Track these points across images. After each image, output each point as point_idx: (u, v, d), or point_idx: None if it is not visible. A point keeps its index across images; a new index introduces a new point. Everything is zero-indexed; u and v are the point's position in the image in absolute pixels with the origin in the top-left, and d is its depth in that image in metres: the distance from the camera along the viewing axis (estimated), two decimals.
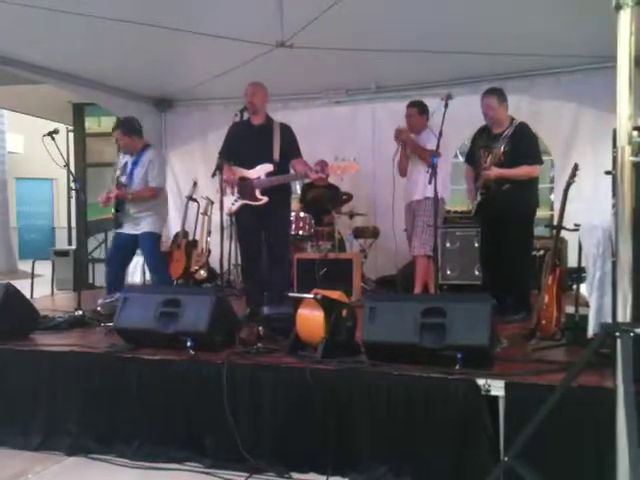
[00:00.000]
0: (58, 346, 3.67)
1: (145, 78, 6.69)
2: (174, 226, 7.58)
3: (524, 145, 4.32)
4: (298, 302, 3.40)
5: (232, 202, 4.48)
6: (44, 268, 7.46)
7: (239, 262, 5.84)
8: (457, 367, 2.87)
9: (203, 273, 6.83)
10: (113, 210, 5.14)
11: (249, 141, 4.44)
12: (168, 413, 3.31)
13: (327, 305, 3.21)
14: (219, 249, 6.75)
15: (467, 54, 5.34)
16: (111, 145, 7.72)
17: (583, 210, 4.76)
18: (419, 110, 5.13)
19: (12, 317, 3.83)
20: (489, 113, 4.48)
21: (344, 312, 3.27)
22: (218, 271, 6.74)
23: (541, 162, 4.47)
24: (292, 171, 4.47)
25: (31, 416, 3.51)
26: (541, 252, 5.47)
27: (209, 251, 7.00)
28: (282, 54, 5.09)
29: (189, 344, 3.35)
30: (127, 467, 3.20)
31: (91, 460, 3.30)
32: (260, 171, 4.40)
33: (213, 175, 4.29)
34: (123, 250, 5.24)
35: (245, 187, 4.43)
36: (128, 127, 5.17)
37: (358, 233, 6.53)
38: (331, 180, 6.37)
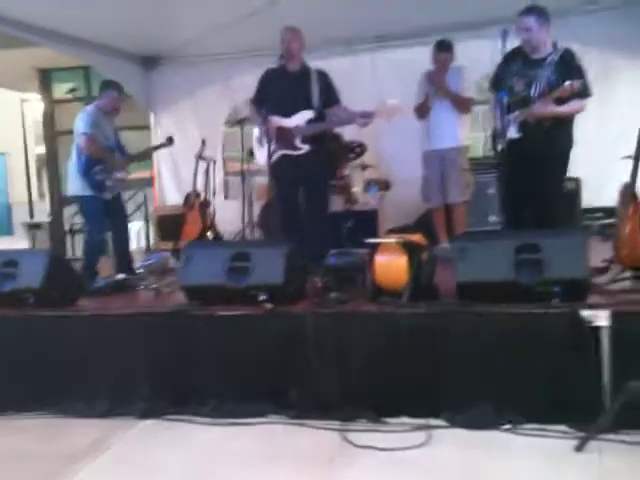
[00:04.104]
0: (117, 309, 3.51)
1: (131, 35, 6.32)
2: (173, 188, 7.32)
3: (575, 77, 3.70)
4: (372, 248, 3.32)
5: (268, 153, 4.27)
6: (8, 243, 7.17)
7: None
8: (555, 301, 2.85)
9: (209, 235, 6.60)
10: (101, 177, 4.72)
11: (286, 88, 4.23)
12: (246, 369, 3.21)
13: (411, 249, 3.14)
14: (223, 210, 6.74)
15: None
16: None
17: None
18: (453, 54, 4.94)
19: (60, 283, 3.62)
20: (526, 35, 3.86)
21: (424, 256, 3.22)
22: (222, 234, 6.61)
23: (591, 95, 3.91)
24: (333, 118, 4.30)
25: (95, 383, 3.35)
26: None
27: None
28: (276, 7, 4.86)
29: (262, 298, 3.23)
30: (209, 425, 3.09)
31: (168, 421, 3.18)
32: (300, 119, 4.21)
33: (259, 126, 4.07)
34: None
35: (284, 136, 4.25)
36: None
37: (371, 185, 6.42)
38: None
